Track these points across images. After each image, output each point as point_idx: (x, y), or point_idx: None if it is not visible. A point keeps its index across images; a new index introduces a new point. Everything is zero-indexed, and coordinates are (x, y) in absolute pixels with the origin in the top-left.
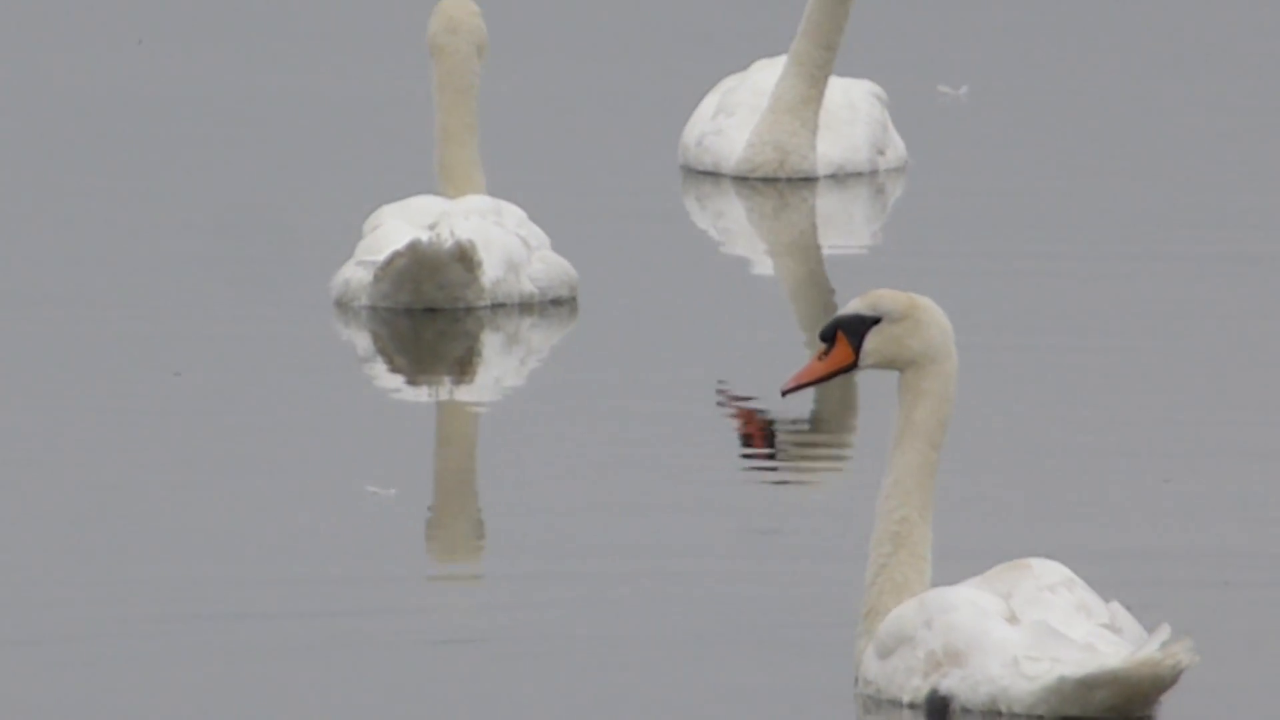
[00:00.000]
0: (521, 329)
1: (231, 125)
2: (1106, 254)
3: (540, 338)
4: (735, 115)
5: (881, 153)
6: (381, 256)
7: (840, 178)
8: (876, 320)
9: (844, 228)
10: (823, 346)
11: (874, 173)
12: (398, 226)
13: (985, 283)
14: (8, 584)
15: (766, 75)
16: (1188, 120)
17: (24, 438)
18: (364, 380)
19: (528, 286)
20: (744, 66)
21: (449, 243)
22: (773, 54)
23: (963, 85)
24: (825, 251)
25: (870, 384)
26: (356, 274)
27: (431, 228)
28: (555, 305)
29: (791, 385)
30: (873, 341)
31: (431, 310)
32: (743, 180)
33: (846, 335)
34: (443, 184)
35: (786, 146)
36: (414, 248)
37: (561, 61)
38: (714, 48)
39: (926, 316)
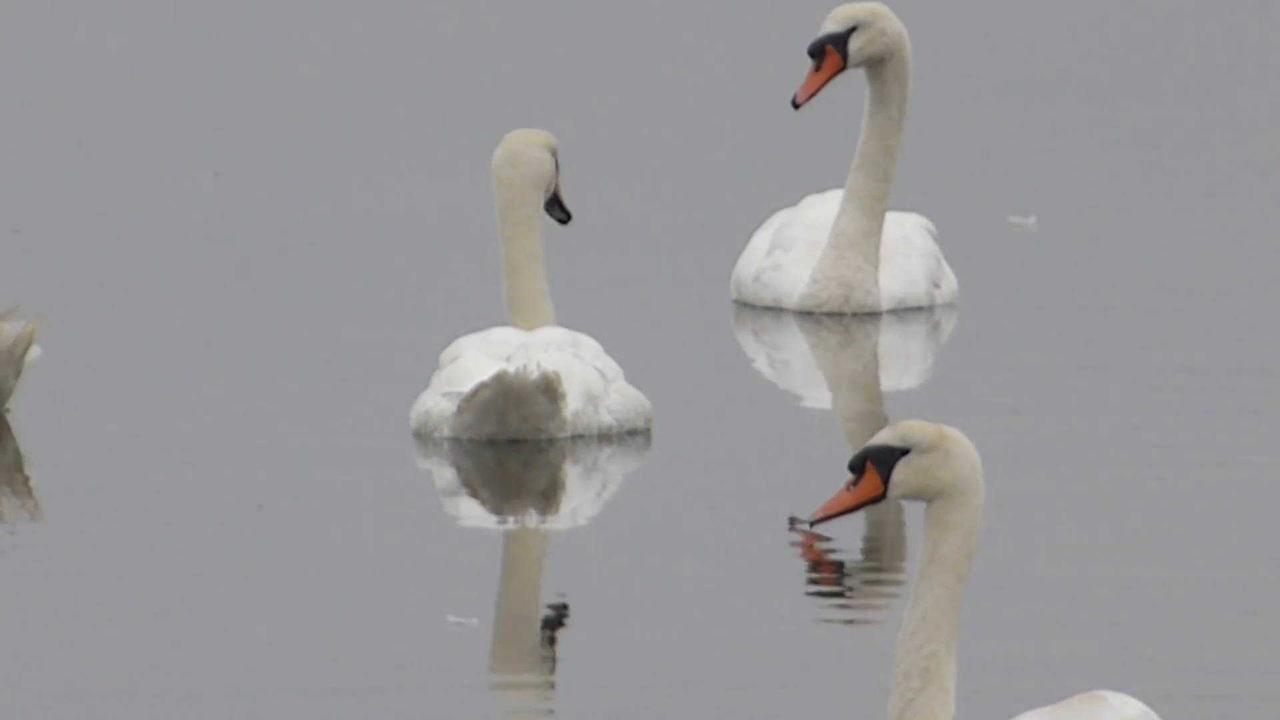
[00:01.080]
0: (600, 459)
1: (304, 249)
2: (1161, 385)
3: (617, 468)
4: (792, 251)
5: (937, 286)
6: (464, 388)
7: (900, 312)
8: (905, 451)
9: (902, 363)
10: (851, 477)
11: (931, 307)
12: (478, 358)
13: (1047, 413)
14: (99, 697)
15: (819, 211)
16: (1269, 257)
17: (109, 565)
18: (447, 510)
19: (606, 418)
20: (794, 202)
21: (535, 374)
22: (820, 189)
23: (1031, 215)
24: (884, 388)
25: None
26: (439, 405)
27: (508, 359)
28: (631, 436)
29: (819, 515)
30: (901, 472)
31: (514, 442)
32: (806, 315)
33: (875, 466)
34: (512, 314)
35: (851, 282)
36: (500, 379)
37: (608, 192)
38: (756, 184)
39: (956, 449)
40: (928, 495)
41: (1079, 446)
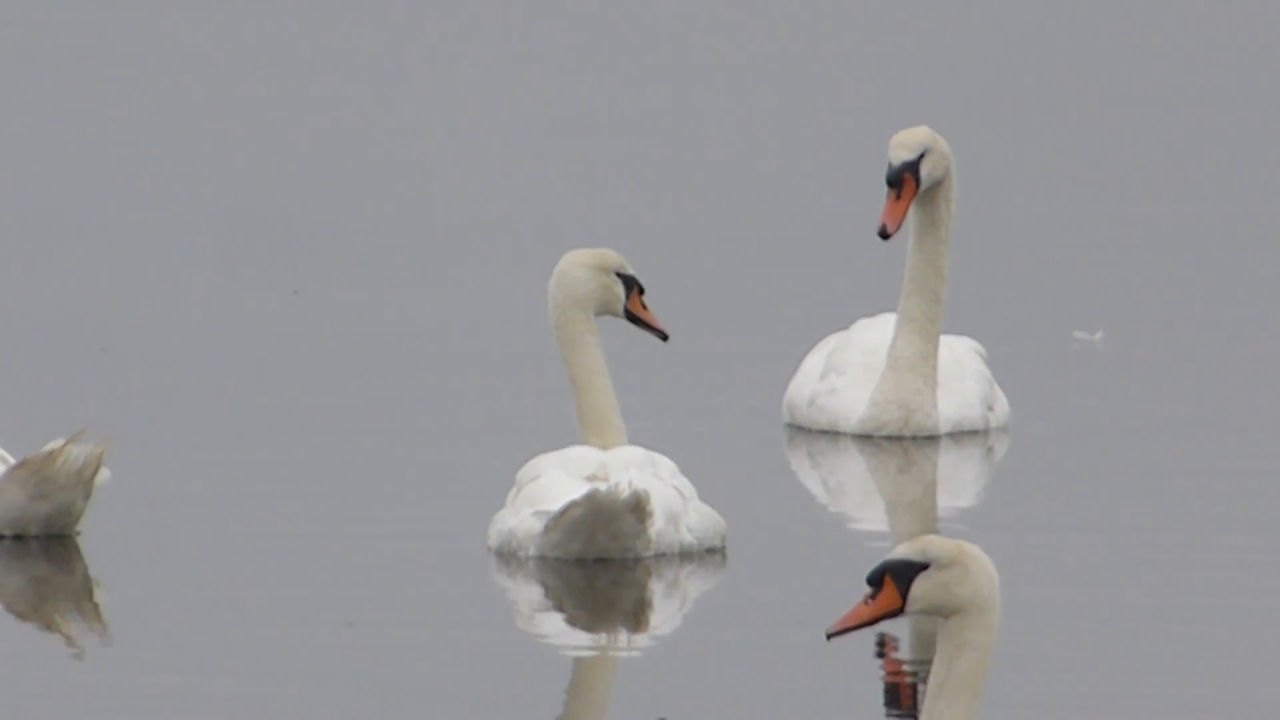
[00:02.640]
0: (680, 577)
1: (379, 365)
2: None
3: (696, 586)
4: (847, 374)
5: (990, 409)
6: (550, 506)
7: (956, 435)
8: (925, 566)
9: (959, 486)
10: (869, 590)
11: (986, 430)
12: (559, 477)
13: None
14: None
15: (872, 334)
16: None
17: (181, 688)
18: (537, 629)
19: (686, 537)
20: (844, 325)
21: (626, 494)
22: (870, 312)
23: (1099, 331)
24: (940, 511)
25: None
26: (524, 523)
27: (590, 478)
28: (709, 554)
29: (837, 628)
30: (920, 587)
31: (600, 560)
32: (864, 438)
33: (894, 580)
34: (584, 432)
35: (911, 405)
36: (592, 498)
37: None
38: (805, 306)
39: (975, 565)
40: (946, 611)
41: (1128, 565)
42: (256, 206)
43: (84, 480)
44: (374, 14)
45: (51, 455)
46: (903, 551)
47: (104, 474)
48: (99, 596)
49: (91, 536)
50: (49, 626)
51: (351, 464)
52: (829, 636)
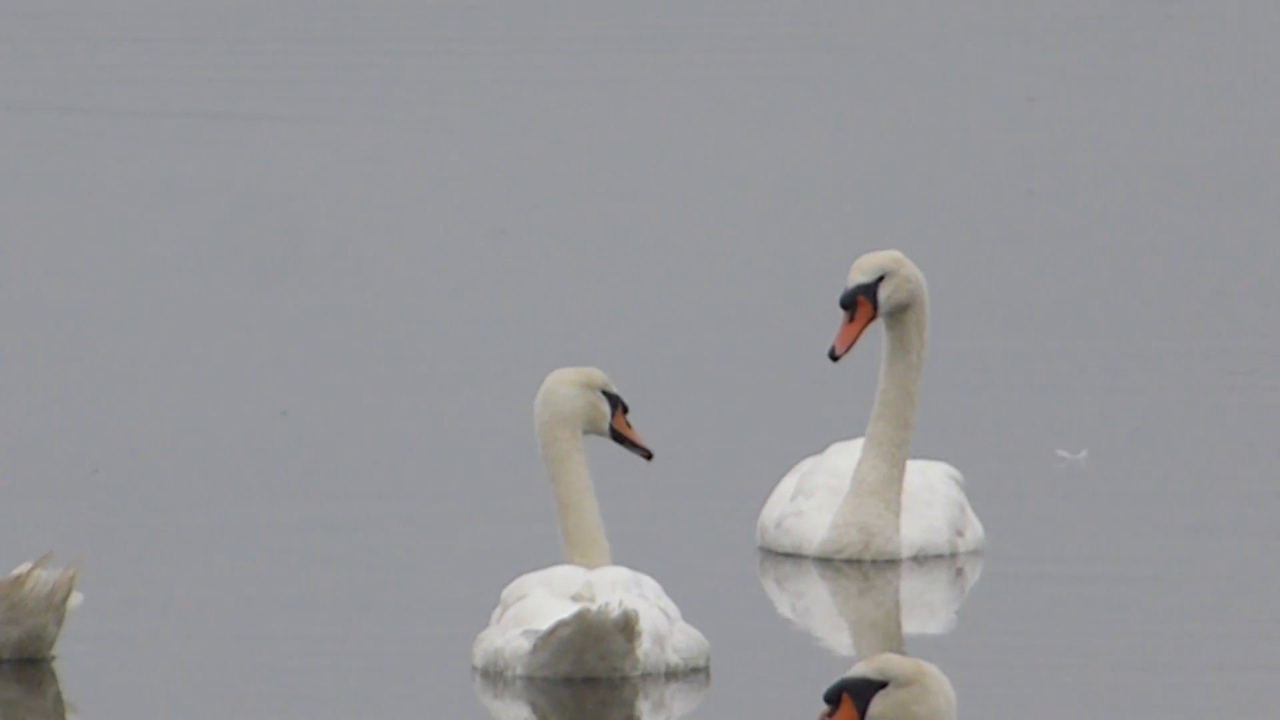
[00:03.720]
0: (665, 697)
1: (362, 486)
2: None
3: (682, 706)
4: (814, 497)
5: (960, 534)
6: (538, 625)
7: (921, 560)
8: (883, 684)
9: (926, 610)
10: (826, 709)
11: (954, 555)
12: (545, 597)
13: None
14: None
15: (843, 458)
16: None
17: None
18: None
19: (672, 657)
20: (821, 449)
21: (616, 614)
22: (848, 437)
23: (1082, 449)
24: (906, 633)
25: None
26: (511, 643)
27: (576, 597)
28: (693, 673)
29: None
30: (879, 706)
31: (587, 680)
32: (826, 562)
33: (852, 698)
34: (568, 550)
35: (872, 528)
36: (582, 618)
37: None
38: (784, 429)
39: (934, 684)
40: None
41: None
42: (235, 309)
43: (54, 605)
44: (352, 126)
45: (19, 580)
46: (860, 670)
47: (76, 598)
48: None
49: (66, 660)
50: None
51: (332, 585)
52: None
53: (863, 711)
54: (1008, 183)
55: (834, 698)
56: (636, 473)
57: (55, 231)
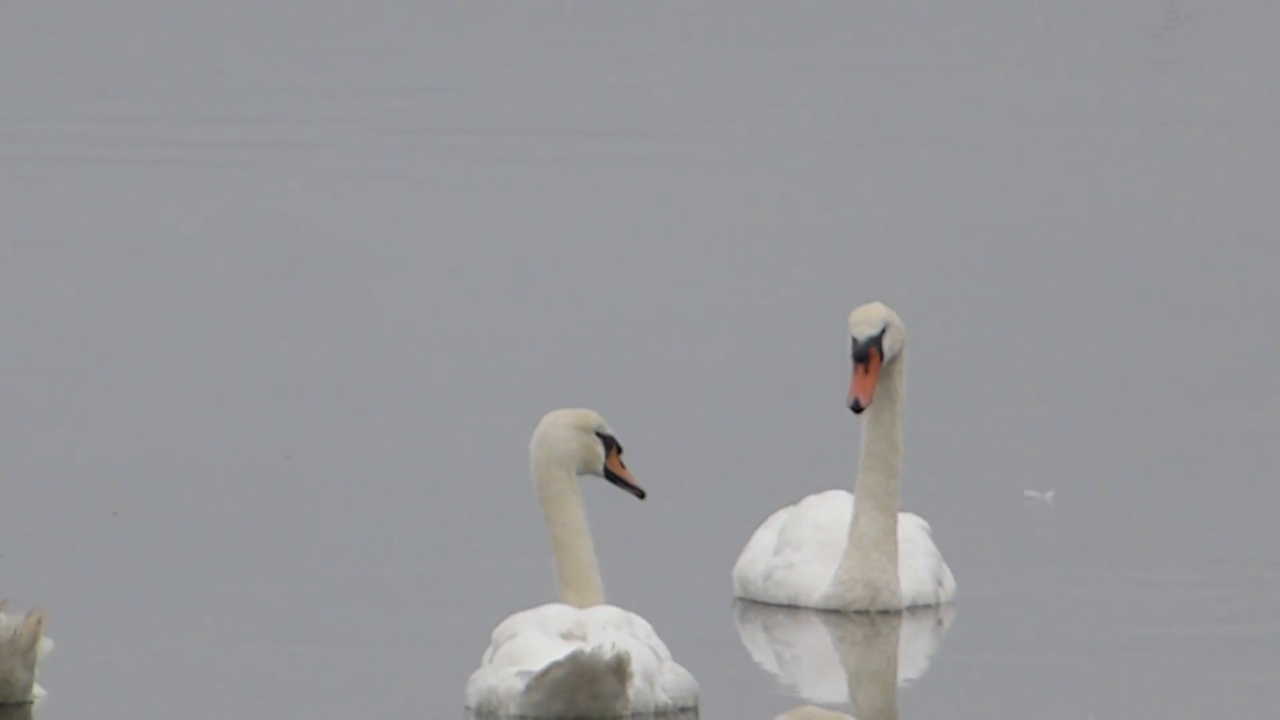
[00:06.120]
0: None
1: (347, 522)
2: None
3: None
4: (803, 550)
5: (940, 584)
6: (529, 666)
7: (912, 609)
8: None
9: (916, 660)
10: None
11: (937, 604)
12: (536, 636)
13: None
14: None
15: (825, 511)
16: None
17: None
18: None
19: (662, 697)
20: (792, 501)
21: (609, 655)
22: (818, 489)
23: (1049, 490)
24: (900, 683)
25: None
26: (504, 682)
27: (567, 637)
28: (682, 713)
29: None
30: None
31: (580, 719)
32: (831, 612)
33: None
34: (561, 589)
35: (878, 583)
36: (575, 659)
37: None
38: (745, 483)
39: None
40: None
41: None
42: (237, 353)
43: (20, 650)
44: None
45: None
46: None
47: (46, 644)
48: None
49: (47, 705)
50: None
51: (326, 623)
52: None
53: None
54: (968, 230)
55: None
56: (627, 511)
57: (64, 267)
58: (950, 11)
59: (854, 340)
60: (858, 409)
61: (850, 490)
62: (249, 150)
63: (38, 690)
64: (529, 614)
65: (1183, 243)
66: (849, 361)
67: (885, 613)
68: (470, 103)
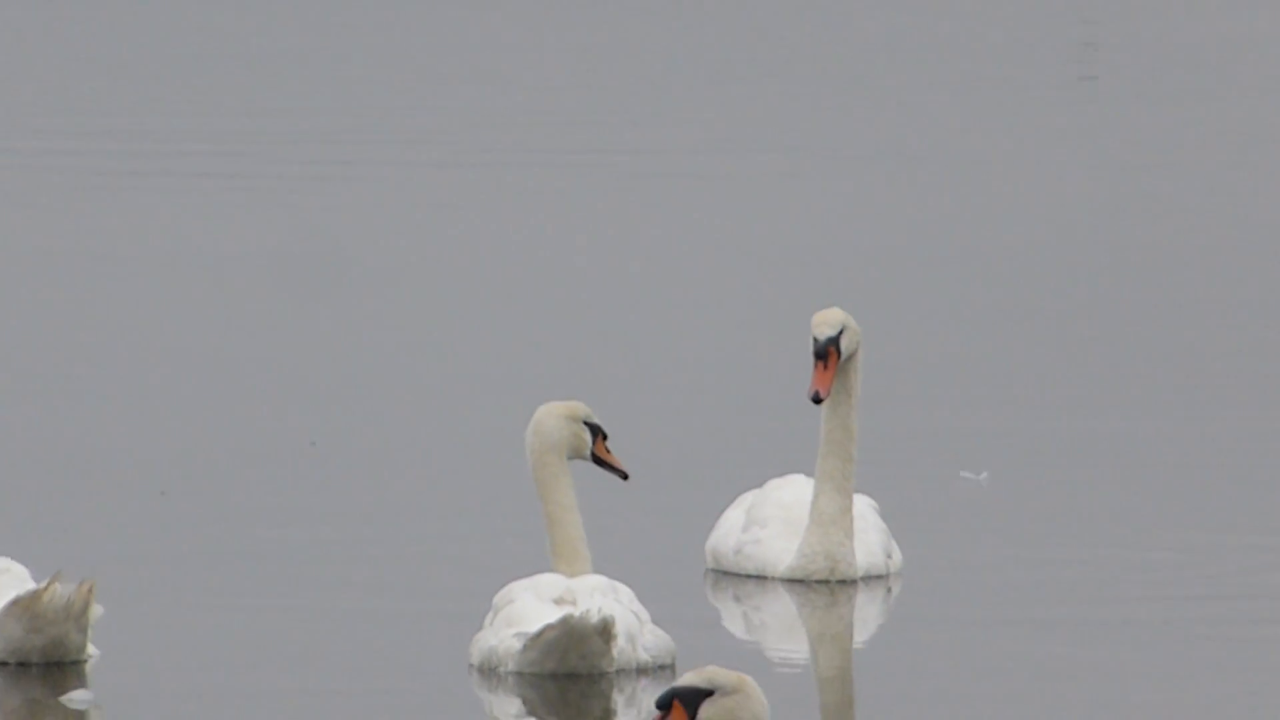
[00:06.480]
0: (637, 691)
1: (361, 511)
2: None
3: (651, 697)
4: (769, 527)
5: (890, 556)
6: (527, 628)
7: (866, 579)
8: (710, 693)
9: (869, 624)
10: (659, 714)
11: (886, 575)
12: (531, 602)
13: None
14: None
15: (786, 492)
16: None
17: None
18: None
19: (643, 655)
20: (757, 483)
21: (595, 619)
22: (782, 472)
23: (983, 470)
24: (855, 644)
25: None
26: (504, 643)
27: (559, 602)
28: (660, 670)
29: None
30: (707, 711)
31: (570, 675)
32: (794, 582)
33: (683, 704)
34: (554, 560)
35: (836, 555)
36: (566, 622)
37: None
38: (712, 467)
39: (754, 693)
40: None
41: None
42: (273, 354)
43: (74, 615)
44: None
45: (37, 594)
46: (690, 680)
47: (97, 609)
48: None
49: (100, 663)
50: None
51: (345, 593)
52: None
53: (692, 716)
54: (919, 244)
55: (666, 703)
56: (612, 491)
57: (126, 279)
58: (891, 43)
59: (815, 340)
60: (817, 400)
61: (809, 474)
62: (302, 174)
63: (91, 650)
64: (525, 582)
65: (1109, 252)
66: (810, 359)
67: (843, 582)
68: (502, 131)
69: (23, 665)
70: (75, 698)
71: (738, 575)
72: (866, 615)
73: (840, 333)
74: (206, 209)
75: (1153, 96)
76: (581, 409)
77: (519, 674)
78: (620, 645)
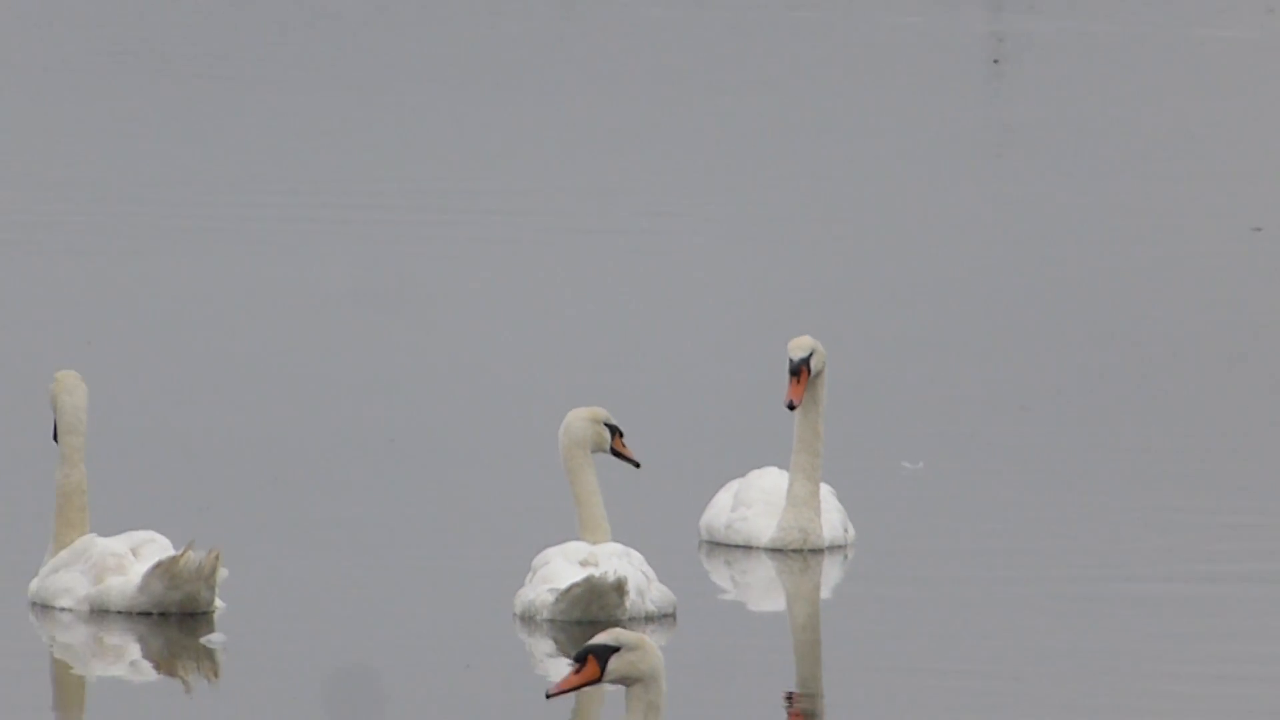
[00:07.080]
0: (646, 635)
1: (418, 496)
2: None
3: (657, 641)
4: (753, 507)
5: (847, 530)
6: (558, 585)
7: (830, 549)
8: (617, 649)
9: (832, 584)
10: (575, 665)
11: (845, 546)
12: (562, 564)
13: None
14: None
15: (766, 480)
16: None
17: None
18: (552, 671)
19: (650, 607)
20: (741, 473)
21: (612, 578)
22: (760, 464)
23: (920, 460)
24: (823, 599)
25: None
26: (540, 596)
27: (584, 564)
28: (664, 619)
29: (555, 691)
30: (615, 663)
31: (593, 622)
32: (775, 551)
33: (595, 658)
34: (581, 530)
35: (808, 530)
36: (589, 580)
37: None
38: (705, 459)
39: (652, 649)
40: (630, 680)
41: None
42: (360, 371)
43: (204, 576)
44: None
45: (175, 559)
46: (601, 639)
47: (223, 572)
48: (219, 656)
49: (226, 614)
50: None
51: (413, 558)
52: (549, 696)
53: (603, 667)
54: (874, 278)
55: (582, 657)
56: (627, 478)
57: (227, 312)
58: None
59: (790, 359)
60: (792, 408)
61: (782, 466)
62: (374, 218)
63: (219, 603)
64: (557, 548)
65: (1028, 281)
66: (787, 375)
67: (814, 551)
68: (532, 200)
69: (163, 615)
70: (213, 639)
71: (727, 545)
72: (831, 576)
73: (810, 354)
74: (304, 252)
75: (1054, 106)
76: (602, 413)
77: (551, 621)
78: (632, 599)
